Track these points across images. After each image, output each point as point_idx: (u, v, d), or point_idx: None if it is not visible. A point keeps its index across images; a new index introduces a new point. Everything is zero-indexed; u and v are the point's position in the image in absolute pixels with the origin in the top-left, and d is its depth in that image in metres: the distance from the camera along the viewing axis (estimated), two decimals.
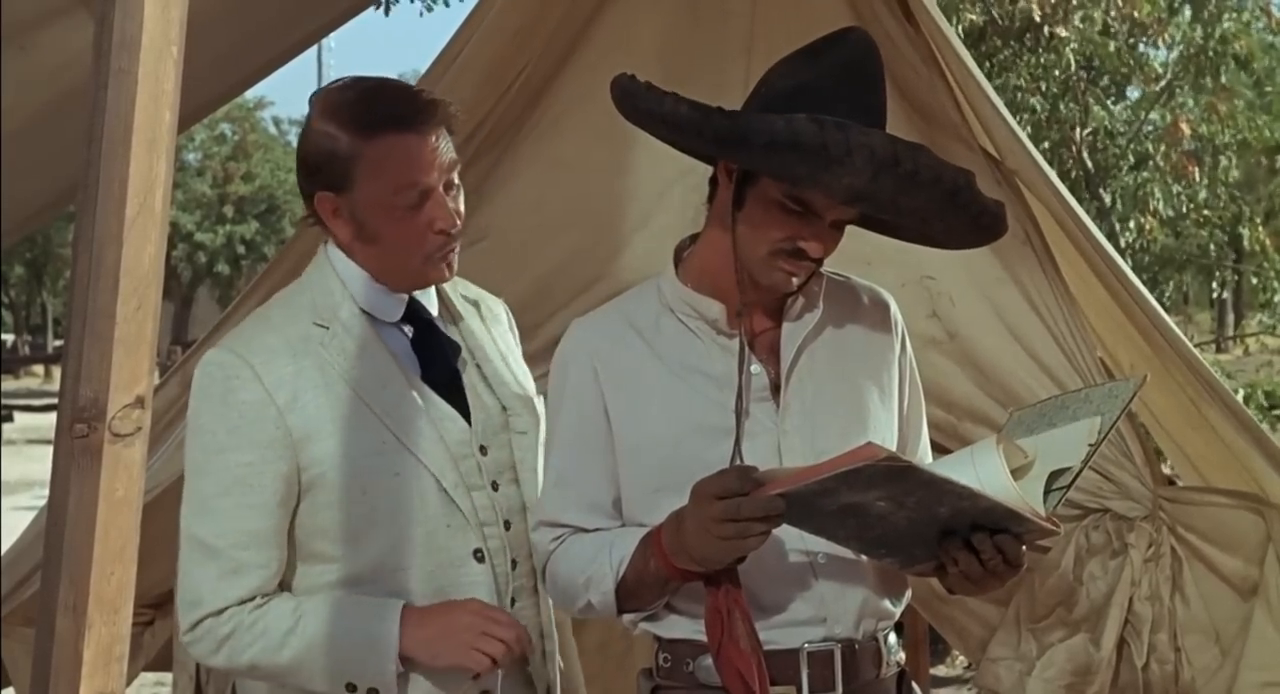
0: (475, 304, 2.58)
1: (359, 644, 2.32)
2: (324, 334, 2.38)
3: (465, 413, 2.45)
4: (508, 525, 2.45)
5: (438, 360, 2.46)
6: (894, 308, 2.45)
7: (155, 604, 3.64)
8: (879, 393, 2.37)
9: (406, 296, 2.45)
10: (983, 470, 2.11)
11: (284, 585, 2.39)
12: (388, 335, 2.43)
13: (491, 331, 2.56)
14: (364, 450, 2.34)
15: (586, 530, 2.33)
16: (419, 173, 2.33)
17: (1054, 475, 2.17)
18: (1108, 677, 3.37)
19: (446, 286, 2.53)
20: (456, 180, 2.41)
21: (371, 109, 2.34)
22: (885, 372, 2.39)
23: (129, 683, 2.89)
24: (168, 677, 3.67)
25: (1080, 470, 2.18)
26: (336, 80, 2.44)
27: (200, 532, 2.35)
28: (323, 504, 2.35)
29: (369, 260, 2.41)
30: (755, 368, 2.30)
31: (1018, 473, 2.15)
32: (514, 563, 2.46)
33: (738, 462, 2.22)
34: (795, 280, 2.26)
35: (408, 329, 2.46)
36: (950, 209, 2.21)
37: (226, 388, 2.34)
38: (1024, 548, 2.18)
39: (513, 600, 2.45)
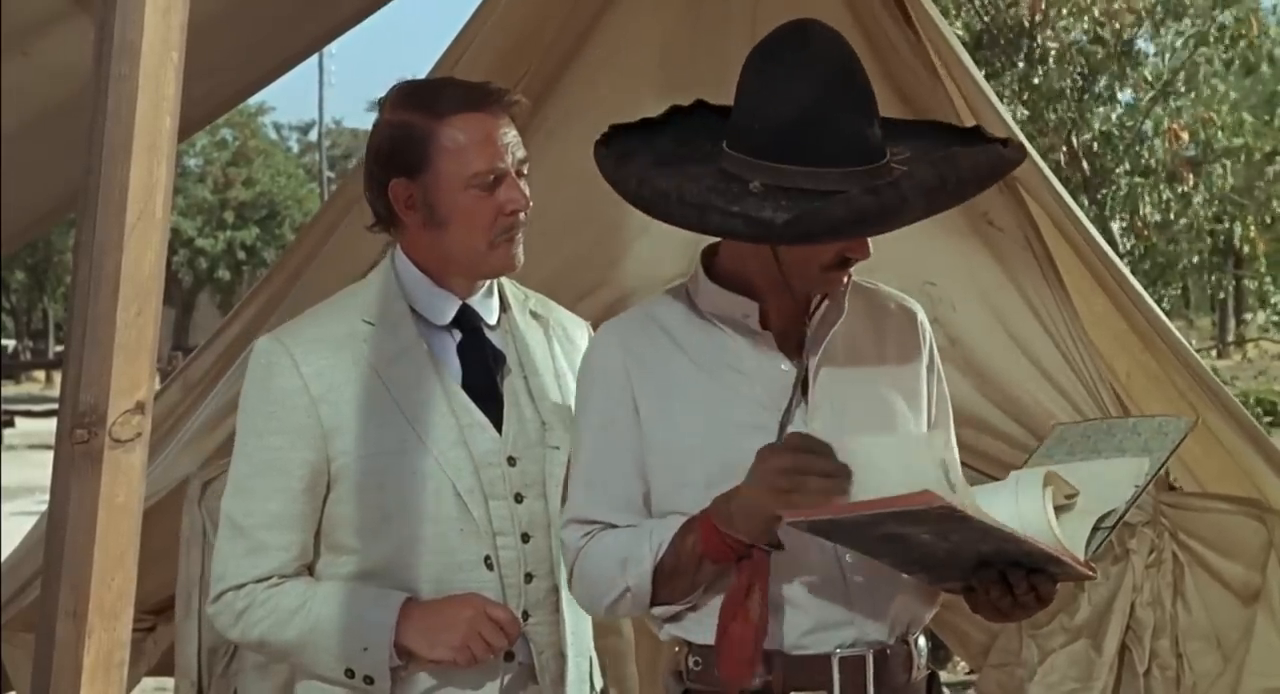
0: (542, 319, 2.60)
1: (358, 630, 2.37)
2: (369, 331, 2.45)
3: (500, 423, 2.47)
4: (526, 538, 2.45)
5: (479, 368, 2.49)
6: (922, 317, 2.45)
7: (157, 611, 3.64)
8: (905, 397, 2.38)
9: (459, 302, 2.49)
10: (1025, 507, 2.12)
11: (310, 571, 2.46)
12: (435, 338, 2.48)
13: (553, 348, 2.57)
14: (386, 447, 2.40)
15: (616, 526, 2.32)
16: (493, 154, 2.41)
17: (1101, 518, 2.18)
18: (1109, 682, 3.36)
19: (512, 298, 2.57)
20: (525, 170, 2.47)
21: (442, 93, 2.44)
22: (912, 376, 2.40)
23: (130, 689, 2.89)
24: (169, 682, 3.66)
25: (1125, 511, 2.19)
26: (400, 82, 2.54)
27: (232, 509, 2.46)
28: (346, 495, 2.41)
29: (437, 248, 2.45)
30: (785, 365, 2.32)
31: (1059, 510, 2.16)
32: (529, 576, 2.46)
33: None
34: (843, 283, 2.32)
35: (456, 334, 2.49)
36: (947, 202, 2.24)
37: (268, 374, 2.44)
38: (1056, 586, 2.21)
39: (525, 614, 2.45)
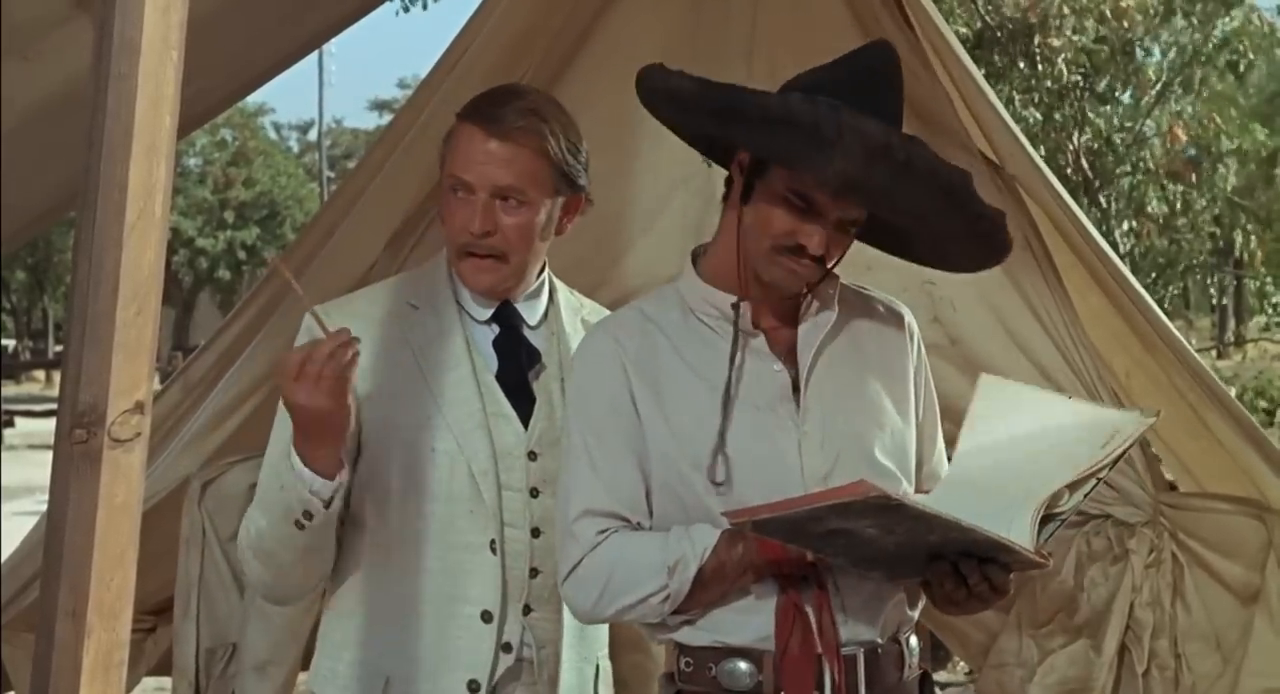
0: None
1: (278, 475, 2.38)
2: (412, 312, 2.53)
3: (528, 418, 2.52)
4: (536, 533, 2.49)
5: (513, 364, 2.55)
6: (909, 320, 2.47)
7: (157, 611, 3.64)
8: (895, 399, 2.39)
9: (497, 302, 2.55)
10: (1015, 536, 2.12)
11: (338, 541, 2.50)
12: (475, 329, 2.55)
13: None
14: (410, 423, 2.47)
15: (631, 524, 2.30)
16: (464, 166, 2.46)
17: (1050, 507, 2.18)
18: (1109, 683, 3.36)
19: (564, 303, 2.63)
20: (513, 200, 2.45)
21: (475, 100, 2.51)
22: (901, 380, 2.41)
23: (130, 689, 2.89)
24: (170, 682, 3.66)
25: (1078, 503, 2.20)
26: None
27: (271, 454, 2.48)
28: (367, 464, 2.48)
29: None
30: (777, 367, 2.32)
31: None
32: (534, 571, 2.49)
33: (721, 458, 2.25)
34: (797, 278, 2.28)
35: (495, 328, 2.56)
36: (947, 209, 2.22)
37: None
38: (1011, 575, 2.21)
39: (528, 608, 2.48)
